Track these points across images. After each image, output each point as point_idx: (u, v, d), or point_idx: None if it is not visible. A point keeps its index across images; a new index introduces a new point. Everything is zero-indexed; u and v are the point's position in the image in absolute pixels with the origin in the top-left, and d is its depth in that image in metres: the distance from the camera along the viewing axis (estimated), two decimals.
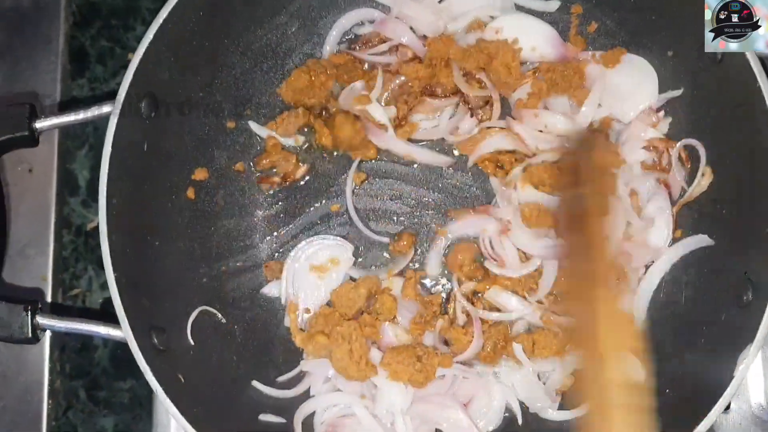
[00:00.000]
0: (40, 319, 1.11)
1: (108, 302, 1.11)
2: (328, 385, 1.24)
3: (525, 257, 1.25)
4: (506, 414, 1.23)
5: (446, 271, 1.29)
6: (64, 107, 1.42)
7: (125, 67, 1.13)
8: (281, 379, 1.26)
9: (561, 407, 1.22)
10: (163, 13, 1.14)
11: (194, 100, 1.25)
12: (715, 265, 1.17)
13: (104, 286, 1.36)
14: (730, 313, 1.10)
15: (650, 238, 1.22)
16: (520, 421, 1.21)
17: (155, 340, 1.13)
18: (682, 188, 1.23)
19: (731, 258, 1.14)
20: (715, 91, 1.17)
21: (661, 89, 1.25)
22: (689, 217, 1.23)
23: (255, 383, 1.24)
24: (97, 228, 1.24)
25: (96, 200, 1.32)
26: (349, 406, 1.21)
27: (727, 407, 1.22)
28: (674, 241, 1.23)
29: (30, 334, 1.11)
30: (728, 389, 1.02)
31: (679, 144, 1.23)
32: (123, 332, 1.08)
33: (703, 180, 1.20)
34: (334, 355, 1.18)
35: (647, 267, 1.23)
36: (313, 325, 1.24)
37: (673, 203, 1.24)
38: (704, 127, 1.20)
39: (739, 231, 1.13)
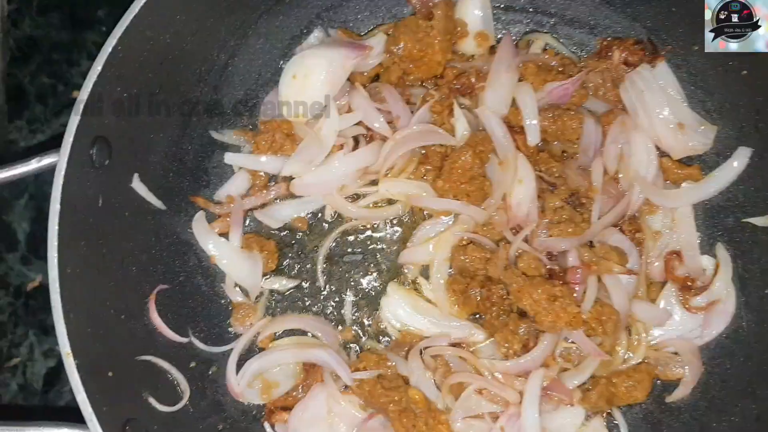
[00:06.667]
0: None
1: (53, 372, 1.01)
2: None
3: None
4: None
5: None
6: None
7: (69, 106, 0.98)
8: None
9: None
10: (112, 39, 0.96)
11: (155, 140, 1.09)
12: None
13: (48, 354, 1.22)
14: None
15: None
16: None
17: None
18: None
19: None
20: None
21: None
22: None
23: None
24: (38, 288, 1.16)
25: (38, 256, 1.22)
26: None
27: None
28: None
29: None
30: None
31: None
32: None
33: None
34: None
35: None
36: None
37: None
38: None
39: None
